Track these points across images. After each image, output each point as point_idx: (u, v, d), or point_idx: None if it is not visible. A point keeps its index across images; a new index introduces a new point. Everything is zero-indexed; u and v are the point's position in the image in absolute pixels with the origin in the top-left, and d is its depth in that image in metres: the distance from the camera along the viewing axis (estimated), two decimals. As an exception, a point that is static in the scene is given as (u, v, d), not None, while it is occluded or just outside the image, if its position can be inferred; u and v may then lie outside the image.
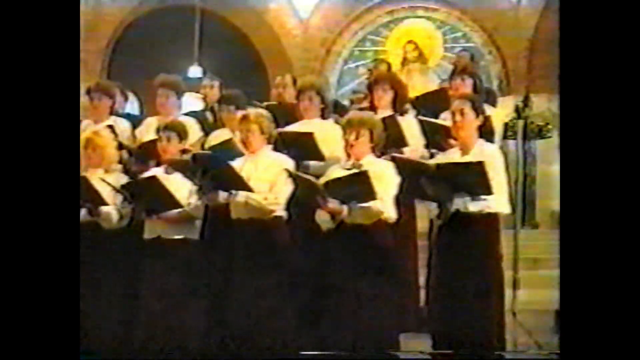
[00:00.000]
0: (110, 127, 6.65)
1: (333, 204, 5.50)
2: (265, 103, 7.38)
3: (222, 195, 5.83)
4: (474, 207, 5.55)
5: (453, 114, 5.81)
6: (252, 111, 6.15)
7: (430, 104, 6.99)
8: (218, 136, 6.80)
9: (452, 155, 5.80)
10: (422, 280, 6.52)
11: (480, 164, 5.43)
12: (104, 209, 6.08)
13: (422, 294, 6.48)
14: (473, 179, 5.47)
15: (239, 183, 5.74)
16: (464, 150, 5.75)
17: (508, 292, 6.11)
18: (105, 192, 6.04)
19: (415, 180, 5.55)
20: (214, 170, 5.76)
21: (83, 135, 6.38)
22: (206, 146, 6.73)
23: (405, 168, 5.62)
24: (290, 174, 5.72)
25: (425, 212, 6.21)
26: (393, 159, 5.71)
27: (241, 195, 5.78)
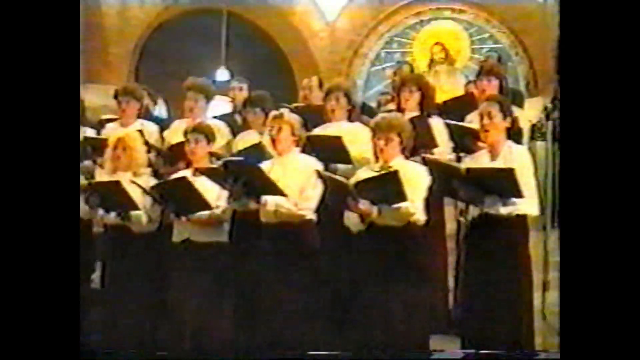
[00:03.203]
0: (139, 130, 6.67)
1: (363, 204, 5.50)
2: (294, 105, 7.39)
3: (253, 202, 5.81)
4: (505, 210, 5.52)
5: (481, 116, 5.79)
6: (285, 112, 6.16)
7: (458, 108, 6.97)
8: (245, 138, 6.81)
9: (481, 158, 5.78)
10: (451, 282, 6.51)
11: (510, 170, 5.41)
12: (134, 212, 6.10)
13: (451, 295, 6.47)
14: (504, 183, 5.44)
15: (271, 188, 5.72)
16: (493, 153, 5.72)
17: (537, 294, 6.07)
18: (136, 195, 6.05)
19: (446, 182, 5.53)
20: (245, 177, 5.75)
21: (113, 137, 6.40)
22: (234, 149, 6.73)
23: (436, 169, 5.61)
24: (321, 175, 5.71)
25: (452, 214, 6.20)
26: (424, 160, 5.70)
27: (271, 203, 5.77)
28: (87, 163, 6.83)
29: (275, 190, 5.71)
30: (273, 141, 5.97)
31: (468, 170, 5.52)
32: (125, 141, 6.29)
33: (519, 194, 5.43)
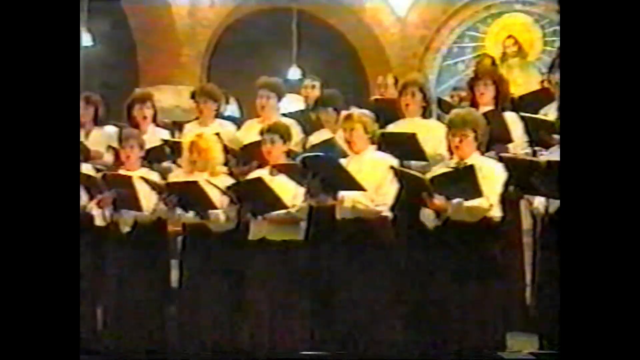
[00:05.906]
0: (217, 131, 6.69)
1: (439, 200, 5.48)
2: (373, 98, 7.37)
3: (330, 199, 5.82)
4: (585, 203, 5.45)
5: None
6: (355, 111, 6.16)
7: (534, 102, 6.91)
8: (318, 136, 6.82)
9: (558, 152, 5.70)
10: (528, 278, 6.45)
11: None
12: (212, 211, 6.14)
13: (529, 292, 6.41)
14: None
15: (350, 183, 5.72)
16: (571, 146, 5.65)
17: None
18: (213, 194, 6.08)
19: (524, 178, 5.47)
20: (324, 172, 5.76)
21: (186, 139, 6.45)
22: (307, 146, 6.75)
23: (514, 166, 5.56)
24: (396, 171, 5.70)
25: (529, 209, 6.14)
26: (501, 159, 5.64)
27: (348, 198, 5.78)
28: (165, 164, 6.91)
29: (355, 185, 5.71)
30: (348, 143, 5.99)
31: (549, 163, 5.45)
32: (198, 144, 6.29)
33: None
